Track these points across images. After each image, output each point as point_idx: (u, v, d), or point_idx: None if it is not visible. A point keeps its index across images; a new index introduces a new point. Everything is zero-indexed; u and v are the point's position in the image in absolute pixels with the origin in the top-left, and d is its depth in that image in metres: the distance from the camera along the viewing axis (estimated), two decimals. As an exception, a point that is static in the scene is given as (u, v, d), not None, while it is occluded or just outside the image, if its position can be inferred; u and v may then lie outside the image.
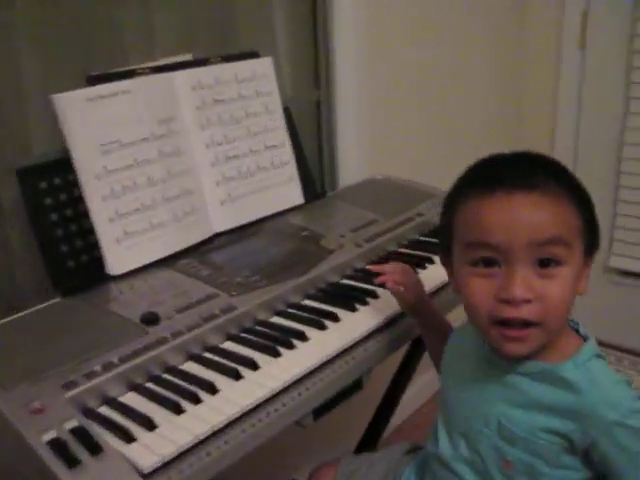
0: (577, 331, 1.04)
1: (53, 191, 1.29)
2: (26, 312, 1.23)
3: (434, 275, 1.39)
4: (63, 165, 1.29)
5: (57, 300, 1.26)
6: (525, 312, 0.93)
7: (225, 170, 1.50)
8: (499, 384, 1.02)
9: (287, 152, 1.62)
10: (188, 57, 1.48)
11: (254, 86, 1.55)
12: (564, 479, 0.99)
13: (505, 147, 1.04)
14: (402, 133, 2.09)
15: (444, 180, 1.79)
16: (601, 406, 0.93)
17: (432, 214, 1.67)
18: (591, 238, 0.97)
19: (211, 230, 1.47)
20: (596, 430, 0.93)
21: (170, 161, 1.39)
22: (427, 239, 1.59)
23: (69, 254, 1.30)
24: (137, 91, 1.33)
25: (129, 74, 1.35)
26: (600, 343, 1.02)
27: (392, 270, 1.27)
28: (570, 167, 1.01)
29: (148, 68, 1.38)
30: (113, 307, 1.23)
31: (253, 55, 1.56)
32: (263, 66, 1.56)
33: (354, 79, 1.86)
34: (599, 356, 1.00)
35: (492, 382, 1.03)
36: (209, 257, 1.40)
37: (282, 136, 1.61)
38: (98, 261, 1.31)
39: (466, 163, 1.04)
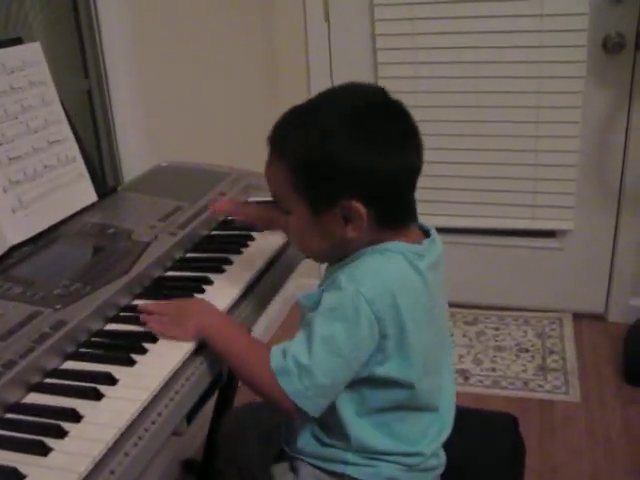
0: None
1: None
2: None
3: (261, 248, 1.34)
4: None
5: None
6: None
7: (10, 174, 1.31)
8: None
9: (72, 147, 1.46)
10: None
11: (25, 75, 1.37)
12: None
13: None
14: (178, 117, 1.99)
15: (231, 160, 1.75)
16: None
17: (235, 192, 1.61)
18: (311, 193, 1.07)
19: (6, 244, 1.28)
20: None
21: (-54, 171, 1.18)
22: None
23: None
24: None
25: None
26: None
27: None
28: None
29: None
30: None
31: (17, 41, 1.38)
32: (32, 53, 1.39)
33: (125, 63, 1.72)
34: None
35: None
36: (14, 273, 1.22)
37: (65, 130, 1.45)
38: None
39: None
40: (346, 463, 1.13)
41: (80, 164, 1.48)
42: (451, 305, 2.78)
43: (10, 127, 1.33)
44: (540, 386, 2.48)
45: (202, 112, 2.13)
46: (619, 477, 2.08)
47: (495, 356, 2.66)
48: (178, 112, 2.01)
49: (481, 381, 2.51)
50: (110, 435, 0.87)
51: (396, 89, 1.13)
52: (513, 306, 2.92)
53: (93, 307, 1.13)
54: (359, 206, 1.04)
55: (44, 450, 0.85)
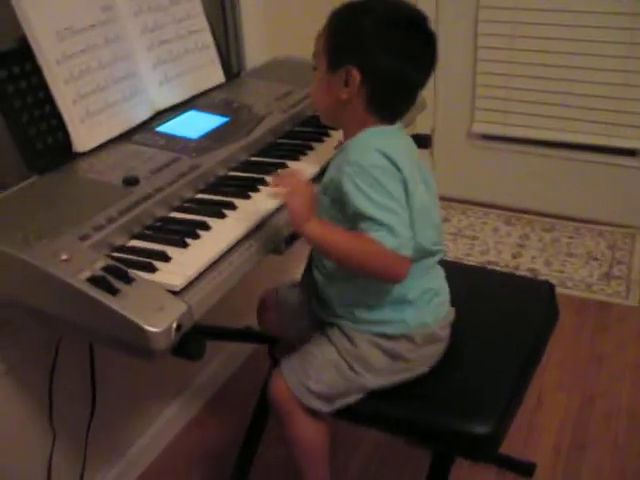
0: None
1: (13, 80, 1.40)
2: (9, 191, 1.35)
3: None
4: (17, 55, 1.40)
5: (35, 179, 1.39)
6: None
7: (160, 54, 1.65)
8: None
9: (208, 36, 1.79)
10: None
11: (175, -25, 1.69)
12: None
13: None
14: (297, 17, 2.28)
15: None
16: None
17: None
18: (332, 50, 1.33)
19: (154, 108, 1.63)
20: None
21: (114, 46, 1.53)
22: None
23: (37, 137, 1.41)
24: (81, -21, 1.45)
25: (67, -35, 1.45)
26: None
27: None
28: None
29: (82, -40, 1.49)
30: (92, 176, 1.39)
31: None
32: (179, -45, 1.70)
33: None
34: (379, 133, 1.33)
35: None
36: (160, 130, 1.57)
37: (202, 22, 1.77)
38: (63, 142, 1.44)
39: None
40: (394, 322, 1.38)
41: (213, 51, 1.80)
42: (530, 212, 3.04)
43: (160, 17, 1.67)
44: (602, 289, 2.72)
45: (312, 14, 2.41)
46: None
47: (565, 260, 2.90)
48: (295, 14, 2.29)
49: (547, 279, 2.75)
50: (232, 237, 1.23)
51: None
52: (589, 219, 3.13)
53: (220, 158, 1.48)
54: (357, 74, 1.29)
55: (184, 244, 1.21)
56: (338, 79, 1.32)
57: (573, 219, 3.16)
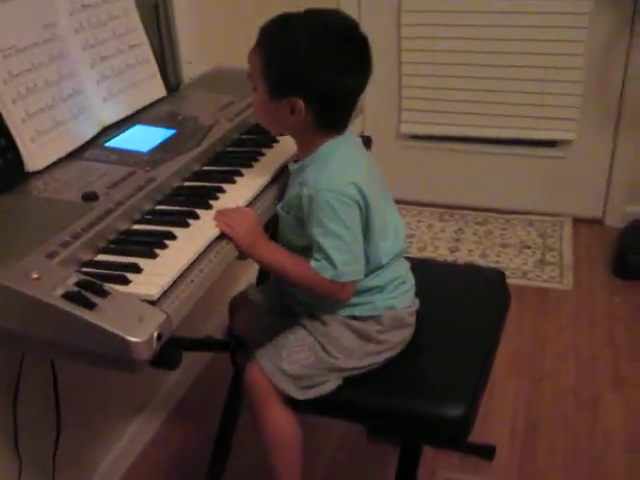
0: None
1: (-41, 101, 1.38)
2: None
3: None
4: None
5: (-13, 200, 1.37)
6: None
7: (102, 70, 1.64)
8: None
9: (147, 50, 1.79)
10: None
11: (112, -10, 1.69)
12: None
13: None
14: (227, 28, 2.30)
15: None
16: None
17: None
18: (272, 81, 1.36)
19: (101, 124, 1.62)
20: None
21: (59, 64, 1.52)
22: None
23: (-15, 158, 1.40)
24: (22, -2, 1.44)
25: (8, -16, 1.44)
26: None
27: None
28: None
29: (21, -22, 1.48)
30: (49, 195, 1.37)
31: (100, -39, 1.69)
32: (117, -29, 1.70)
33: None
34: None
35: None
36: (109, 145, 1.57)
37: (142, 36, 1.77)
38: (13, 162, 1.42)
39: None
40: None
41: (153, 65, 1.81)
42: (463, 208, 3.15)
43: (101, 32, 1.66)
44: (538, 276, 2.83)
45: (244, 23, 2.44)
46: (600, 348, 2.43)
47: (500, 251, 3.00)
48: (227, 24, 2.32)
49: (486, 270, 2.85)
50: (200, 244, 1.24)
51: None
52: (519, 210, 3.25)
53: (173, 169, 1.48)
54: (301, 103, 1.34)
55: (153, 255, 1.22)
56: (282, 107, 1.37)
57: (504, 211, 3.27)
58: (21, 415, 1.55)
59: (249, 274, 2.37)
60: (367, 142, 1.80)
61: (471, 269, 1.77)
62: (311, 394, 1.44)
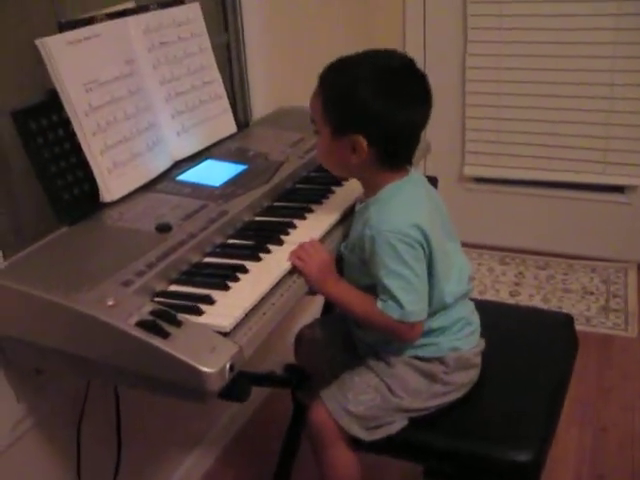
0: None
1: (43, 131, 1.41)
2: (42, 242, 1.37)
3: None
4: (46, 108, 1.42)
5: (66, 229, 1.40)
6: None
7: (176, 104, 1.68)
8: None
9: (220, 87, 1.83)
10: (131, 4, 1.63)
11: (189, 29, 1.73)
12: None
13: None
14: (299, 67, 2.35)
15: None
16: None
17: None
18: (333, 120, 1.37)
19: (173, 157, 1.65)
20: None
21: (137, 98, 1.56)
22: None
23: (64, 188, 1.43)
24: (106, 34, 1.49)
25: (91, 20, 1.49)
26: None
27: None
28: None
29: (104, 15, 1.53)
30: (123, 224, 1.40)
31: (178, 2, 1.74)
32: (194, 11, 1.75)
33: (259, 20, 2.08)
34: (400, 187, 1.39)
35: None
36: (182, 179, 1.60)
37: (215, 73, 1.81)
38: (89, 192, 1.46)
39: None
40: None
41: (225, 101, 1.84)
42: (524, 252, 3.09)
43: (177, 69, 1.70)
44: (602, 323, 2.77)
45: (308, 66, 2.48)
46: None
47: (562, 296, 2.94)
48: (299, 66, 2.36)
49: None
50: (273, 278, 1.25)
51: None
52: (582, 255, 3.19)
53: (245, 204, 1.50)
54: (363, 141, 1.33)
55: (225, 287, 1.23)
56: (345, 146, 1.37)
57: (566, 256, 3.21)
58: (84, 443, 1.56)
59: (311, 310, 2.37)
60: (433, 183, 1.79)
61: (537, 312, 1.74)
62: (378, 435, 1.42)
